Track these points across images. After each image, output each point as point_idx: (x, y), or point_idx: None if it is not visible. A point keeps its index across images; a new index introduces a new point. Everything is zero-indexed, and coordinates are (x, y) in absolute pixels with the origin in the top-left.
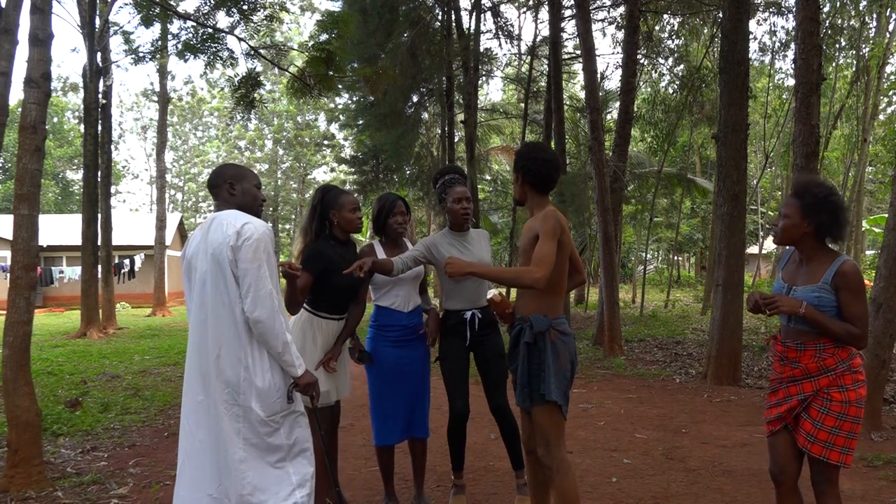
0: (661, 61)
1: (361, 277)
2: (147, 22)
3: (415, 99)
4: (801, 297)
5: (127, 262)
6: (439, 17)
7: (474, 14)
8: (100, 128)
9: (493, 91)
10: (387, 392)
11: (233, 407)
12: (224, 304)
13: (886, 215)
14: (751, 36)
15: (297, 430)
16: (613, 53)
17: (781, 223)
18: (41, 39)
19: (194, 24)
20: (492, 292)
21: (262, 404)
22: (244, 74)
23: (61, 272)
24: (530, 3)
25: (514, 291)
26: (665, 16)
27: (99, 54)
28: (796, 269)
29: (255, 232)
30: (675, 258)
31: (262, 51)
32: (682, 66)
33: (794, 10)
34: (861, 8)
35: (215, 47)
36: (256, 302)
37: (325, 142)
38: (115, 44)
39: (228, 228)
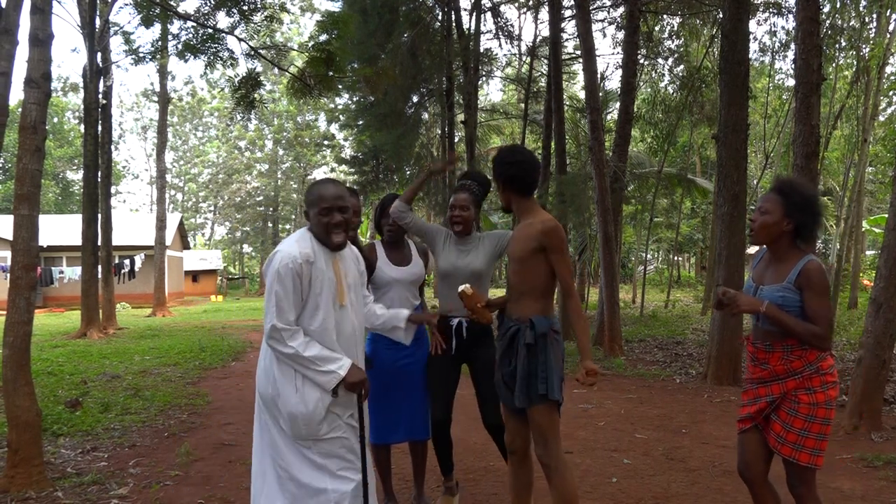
0: (661, 61)
1: None
2: (147, 22)
3: (415, 99)
4: (766, 296)
5: (127, 262)
6: (439, 18)
7: (474, 14)
8: (100, 128)
9: (493, 91)
10: (384, 392)
11: (265, 415)
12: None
13: (886, 215)
14: (751, 36)
15: (332, 456)
16: (613, 53)
17: (760, 220)
18: (41, 40)
19: (194, 24)
20: (462, 286)
21: (289, 426)
22: (244, 75)
23: (61, 272)
24: (530, 3)
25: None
26: (665, 16)
27: (99, 54)
28: (764, 269)
29: (277, 263)
30: (676, 258)
31: (262, 51)
32: (682, 67)
33: (794, 10)
34: (861, 8)
35: (215, 47)
36: (268, 332)
37: (326, 142)
38: (116, 44)
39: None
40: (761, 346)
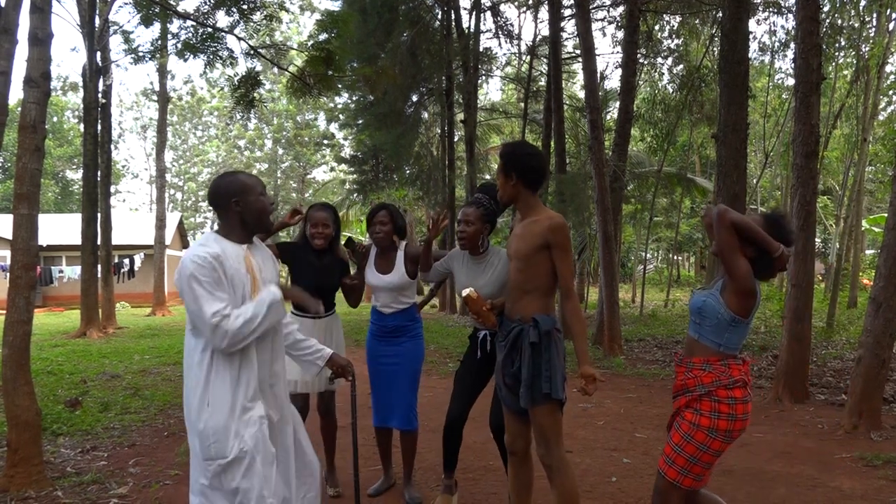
0: (661, 61)
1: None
2: (147, 21)
3: (415, 98)
4: (694, 298)
5: (127, 261)
6: (439, 17)
7: (474, 14)
8: (100, 127)
9: (492, 91)
10: (378, 379)
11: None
12: (187, 330)
13: (886, 215)
14: (751, 35)
15: (241, 482)
16: (613, 53)
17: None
18: (41, 39)
19: (194, 23)
20: (466, 290)
21: (199, 443)
22: (244, 74)
23: (61, 272)
24: (530, 2)
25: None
26: (665, 16)
27: (99, 54)
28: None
29: (190, 267)
30: (675, 258)
31: (261, 50)
32: (681, 66)
33: (794, 9)
34: (861, 8)
35: (215, 47)
36: (212, 336)
37: (325, 141)
38: (115, 43)
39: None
40: (676, 360)
